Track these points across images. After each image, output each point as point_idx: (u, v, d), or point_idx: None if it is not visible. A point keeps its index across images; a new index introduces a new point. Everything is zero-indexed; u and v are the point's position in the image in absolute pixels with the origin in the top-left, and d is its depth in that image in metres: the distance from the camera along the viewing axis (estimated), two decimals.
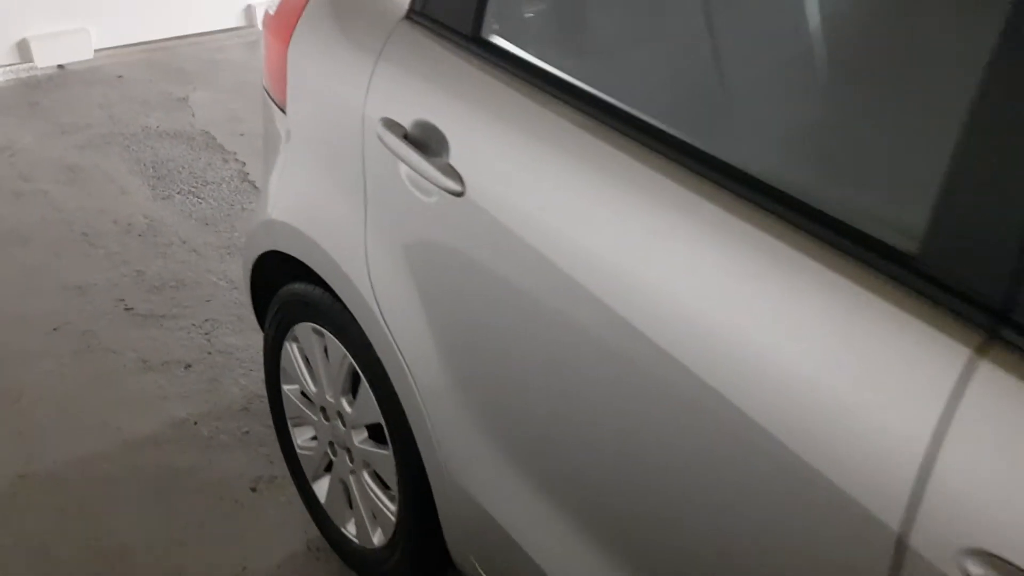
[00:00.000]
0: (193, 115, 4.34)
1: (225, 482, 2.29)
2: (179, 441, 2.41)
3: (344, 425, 1.87)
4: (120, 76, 4.88)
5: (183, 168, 3.82)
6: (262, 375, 2.36)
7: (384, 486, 1.84)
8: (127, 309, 2.94)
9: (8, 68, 4.99)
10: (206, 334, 2.80)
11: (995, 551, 0.82)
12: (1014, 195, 0.84)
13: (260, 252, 1.91)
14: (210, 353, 2.73)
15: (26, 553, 2.11)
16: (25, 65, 5.04)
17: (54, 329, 2.84)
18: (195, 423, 2.47)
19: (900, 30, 1.16)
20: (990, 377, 0.84)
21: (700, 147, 1.13)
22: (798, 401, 0.97)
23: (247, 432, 2.43)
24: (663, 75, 1.41)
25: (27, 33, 5.00)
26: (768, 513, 1.03)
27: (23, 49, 5.02)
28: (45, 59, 5.05)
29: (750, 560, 1.09)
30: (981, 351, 0.85)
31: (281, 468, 2.22)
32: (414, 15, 1.54)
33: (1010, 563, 0.81)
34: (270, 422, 2.19)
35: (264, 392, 2.21)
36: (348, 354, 1.77)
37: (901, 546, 0.88)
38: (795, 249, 1.00)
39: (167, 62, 4.99)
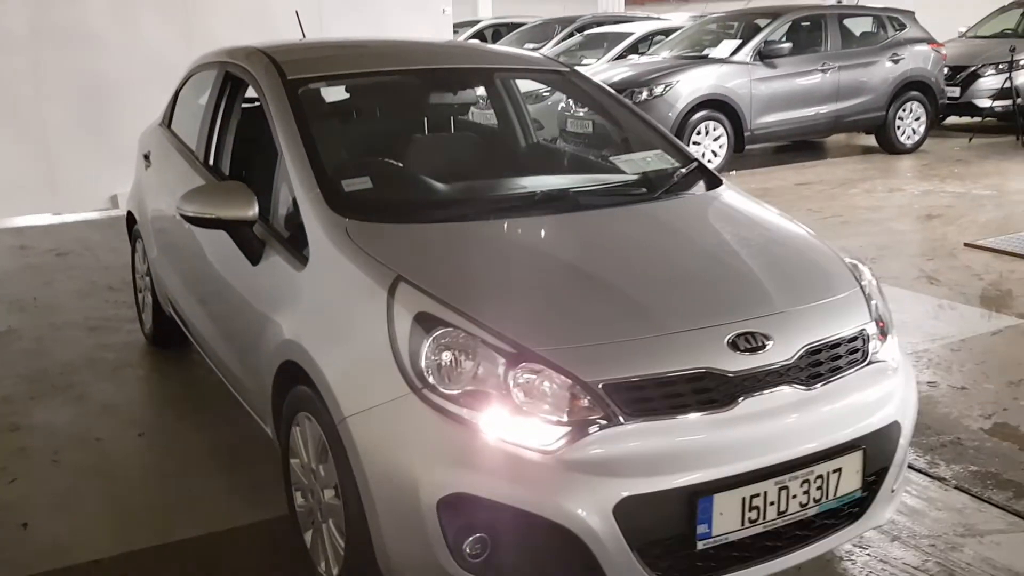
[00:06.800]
0: None
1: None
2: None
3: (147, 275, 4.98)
4: None
5: None
6: None
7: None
8: (110, 289, 6.18)
9: (104, 212, 8.61)
10: None
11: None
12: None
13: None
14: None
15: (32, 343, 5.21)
16: (114, 210, 8.65)
17: (91, 281, 6.10)
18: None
19: None
20: None
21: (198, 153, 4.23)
22: None
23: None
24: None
25: (117, 191, 8.63)
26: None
27: (113, 200, 8.64)
28: (126, 206, 8.62)
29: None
30: None
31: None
32: (162, 123, 4.79)
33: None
34: None
35: None
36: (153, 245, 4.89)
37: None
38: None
39: None
